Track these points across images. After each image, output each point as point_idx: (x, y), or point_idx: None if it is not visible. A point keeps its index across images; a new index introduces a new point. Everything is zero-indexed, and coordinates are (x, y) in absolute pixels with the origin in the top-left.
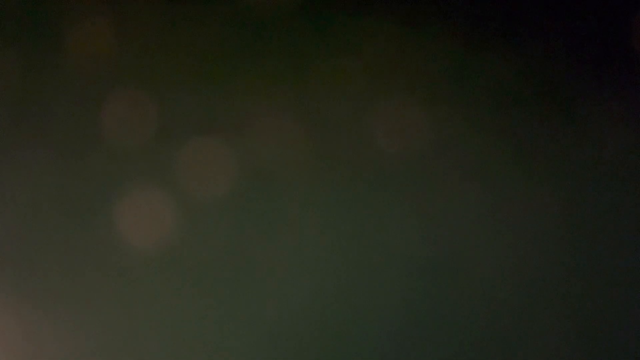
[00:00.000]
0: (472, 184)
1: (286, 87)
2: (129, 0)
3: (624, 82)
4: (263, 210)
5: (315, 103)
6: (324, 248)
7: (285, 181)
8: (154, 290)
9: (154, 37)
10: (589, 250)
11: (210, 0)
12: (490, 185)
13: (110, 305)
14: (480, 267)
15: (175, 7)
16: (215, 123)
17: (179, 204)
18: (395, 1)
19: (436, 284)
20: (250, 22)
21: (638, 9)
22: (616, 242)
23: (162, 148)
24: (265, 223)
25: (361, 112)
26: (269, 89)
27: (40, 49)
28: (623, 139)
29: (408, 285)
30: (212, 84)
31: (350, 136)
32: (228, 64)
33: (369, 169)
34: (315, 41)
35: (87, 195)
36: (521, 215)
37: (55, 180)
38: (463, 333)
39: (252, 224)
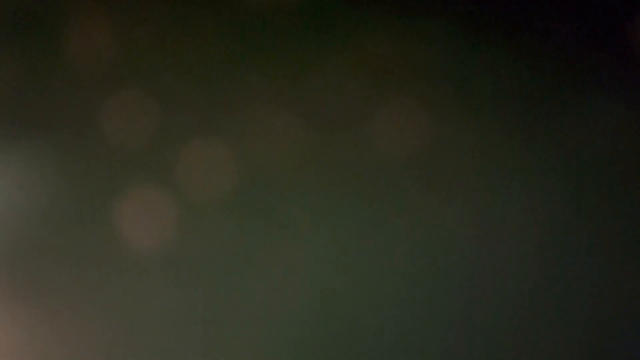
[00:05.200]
0: (473, 184)
1: (286, 87)
2: (129, 0)
3: (625, 82)
4: (263, 210)
5: (315, 102)
6: (323, 248)
7: (285, 181)
8: (154, 290)
9: (154, 37)
10: (588, 253)
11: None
12: (492, 186)
13: (110, 305)
14: (482, 268)
15: (175, 7)
16: (215, 123)
17: (179, 204)
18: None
19: (437, 285)
20: (250, 21)
21: (638, 9)
22: (616, 244)
23: (162, 148)
24: (265, 223)
25: (361, 112)
26: (269, 89)
27: (40, 49)
28: (624, 141)
29: (409, 286)
30: (212, 84)
31: (350, 136)
32: (228, 63)
33: (369, 170)
34: (315, 40)
35: (86, 195)
36: (522, 216)
37: (55, 180)
38: (462, 335)
39: (252, 225)
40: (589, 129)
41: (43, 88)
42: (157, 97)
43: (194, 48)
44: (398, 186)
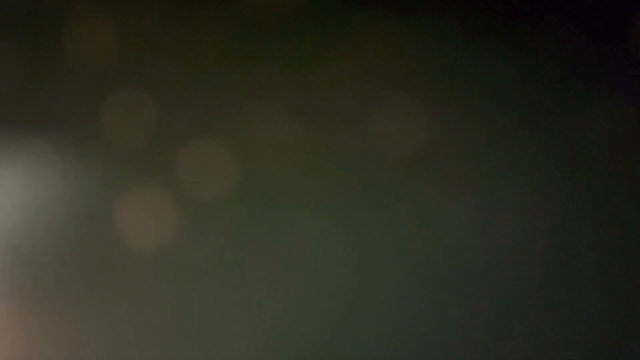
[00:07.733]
0: (473, 184)
1: (287, 86)
2: (129, 1)
3: (626, 82)
4: (263, 211)
5: (317, 102)
6: (324, 248)
7: (286, 181)
8: (153, 290)
9: (154, 36)
10: (587, 253)
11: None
12: (492, 186)
13: (110, 305)
14: (482, 269)
15: (176, 6)
16: (216, 123)
17: (179, 205)
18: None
19: (437, 286)
20: (250, 20)
21: (639, 9)
22: (615, 245)
23: (162, 148)
24: (265, 224)
25: (363, 111)
26: (269, 88)
27: (40, 49)
28: (626, 141)
29: (408, 287)
30: (212, 83)
31: (352, 135)
32: (228, 62)
33: (370, 169)
34: (315, 40)
35: (86, 195)
36: (522, 217)
37: (55, 180)
38: (463, 334)
39: (253, 225)
40: (591, 128)
41: (43, 88)
42: (157, 96)
43: (194, 48)
44: (400, 186)
